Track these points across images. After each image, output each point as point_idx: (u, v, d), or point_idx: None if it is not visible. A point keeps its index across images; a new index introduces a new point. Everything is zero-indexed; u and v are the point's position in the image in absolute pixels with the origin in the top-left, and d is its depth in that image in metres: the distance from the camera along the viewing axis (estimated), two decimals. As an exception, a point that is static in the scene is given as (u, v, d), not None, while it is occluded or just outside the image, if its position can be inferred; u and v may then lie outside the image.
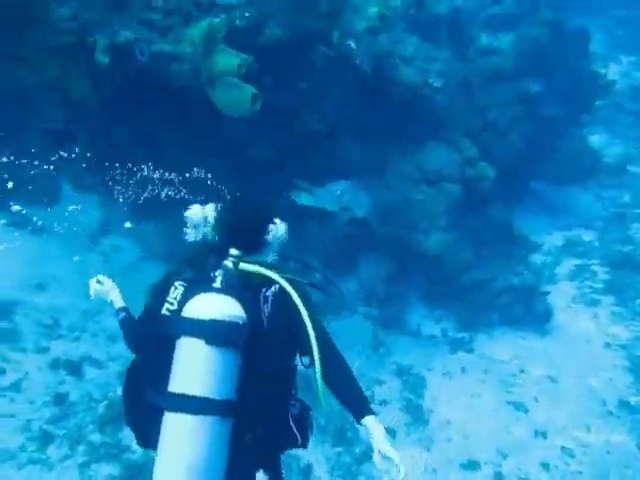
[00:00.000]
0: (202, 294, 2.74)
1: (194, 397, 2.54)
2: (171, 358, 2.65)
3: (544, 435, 7.57)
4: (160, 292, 2.92)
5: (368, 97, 8.82)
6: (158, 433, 2.62)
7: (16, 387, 7.02)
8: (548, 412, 7.95)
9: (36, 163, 8.75)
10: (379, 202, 9.62)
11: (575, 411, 7.94)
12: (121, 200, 8.30)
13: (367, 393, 8.08)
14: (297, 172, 8.54)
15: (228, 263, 2.89)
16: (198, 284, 2.83)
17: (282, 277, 2.86)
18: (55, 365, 7.48)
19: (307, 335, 2.74)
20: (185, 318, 2.68)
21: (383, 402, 7.97)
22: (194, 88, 6.94)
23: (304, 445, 2.89)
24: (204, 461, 2.51)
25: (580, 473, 7.05)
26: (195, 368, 2.59)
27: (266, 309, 2.79)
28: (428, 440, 7.51)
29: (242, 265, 2.88)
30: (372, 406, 8.09)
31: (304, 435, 2.87)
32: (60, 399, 7.10)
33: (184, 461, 2.49)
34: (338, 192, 9.10)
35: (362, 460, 7.15)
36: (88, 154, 8.20)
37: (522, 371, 8.70)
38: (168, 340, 2.69)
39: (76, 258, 8.87)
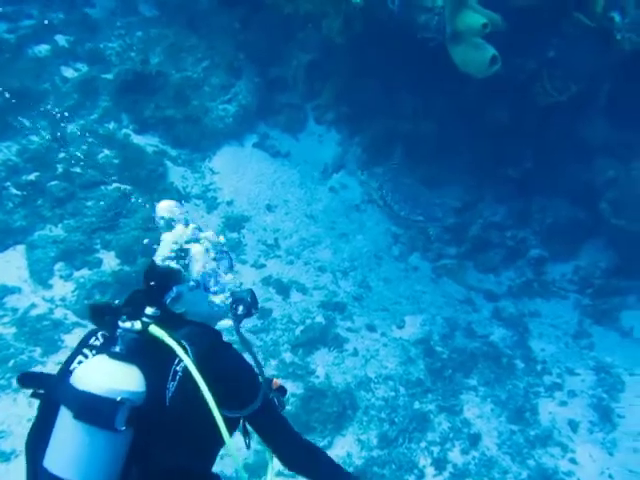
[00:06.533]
0: (97, 356, 2.31)
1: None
2: (52, 425, 2.25)
3: None
4: (88, 336, 2.50)
5: (624, 79, 8.15)
6: None
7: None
8: None
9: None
10: (616, 190, 9.00)
11: None
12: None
13: (557, 380, 7.67)
14: (532, 143, 8.25)
15: (136, 323, 2.34)
16: (109, 340, 2.36)
17: (193, 351, 2.31)
18: (267, 282, 8.16)
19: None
20: (65, 383, 2.25)
21: (571, 392, 7.63)
22: (436, 41, 7.02)
23: None
24: None
25: None
26: (64, 445, 2.20)
27: (172, 387, 2.30)
28: (611, 444, 7.10)
29: (152, 328, 2.33)
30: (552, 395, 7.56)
31: None
32: (264, 313, 7.74)
33: None
34: None
35: (535, 444, 6.98)
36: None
37: None
38: (54, 404, 2.27)
39: (305, 188, 9.54)
